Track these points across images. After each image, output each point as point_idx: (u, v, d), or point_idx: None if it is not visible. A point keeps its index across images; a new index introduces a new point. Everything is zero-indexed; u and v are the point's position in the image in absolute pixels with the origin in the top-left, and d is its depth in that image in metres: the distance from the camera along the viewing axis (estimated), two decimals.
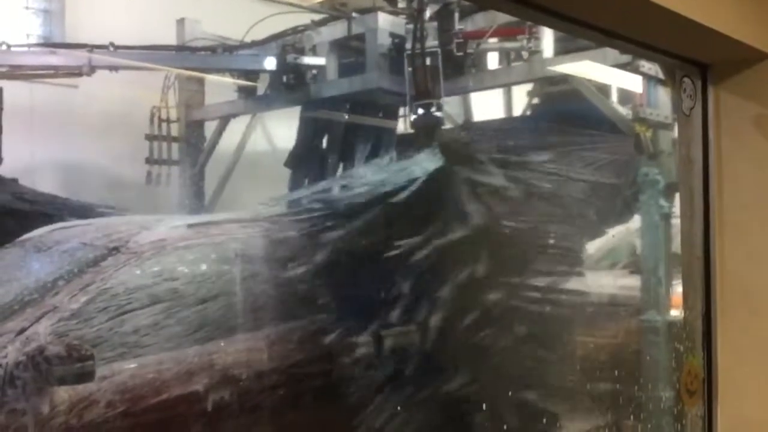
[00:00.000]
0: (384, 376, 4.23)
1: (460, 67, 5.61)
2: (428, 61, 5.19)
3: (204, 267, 4.06)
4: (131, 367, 3.55)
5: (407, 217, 4.42)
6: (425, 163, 4.65)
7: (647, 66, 4.25)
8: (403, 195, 4.45)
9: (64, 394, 3.29)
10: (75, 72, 5.96)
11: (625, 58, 4.21)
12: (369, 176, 4.98)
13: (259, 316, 4.11)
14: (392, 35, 5.73)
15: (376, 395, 4.14)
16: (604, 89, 5.22)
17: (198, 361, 3.74)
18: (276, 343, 4.07)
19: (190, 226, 4.25)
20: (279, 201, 5.14)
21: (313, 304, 4.26)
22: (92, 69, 5.95)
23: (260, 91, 6.65)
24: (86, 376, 3.27)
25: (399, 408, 4.15)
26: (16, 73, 5.86)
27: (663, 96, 4.68)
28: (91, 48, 5.92)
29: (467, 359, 4.24)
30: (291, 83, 6.09)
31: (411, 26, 5.36)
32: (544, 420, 4.32)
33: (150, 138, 6.74)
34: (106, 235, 4.08)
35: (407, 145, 5.33)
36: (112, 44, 5.96)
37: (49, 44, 6.37)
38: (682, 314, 3.04)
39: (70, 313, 3.49)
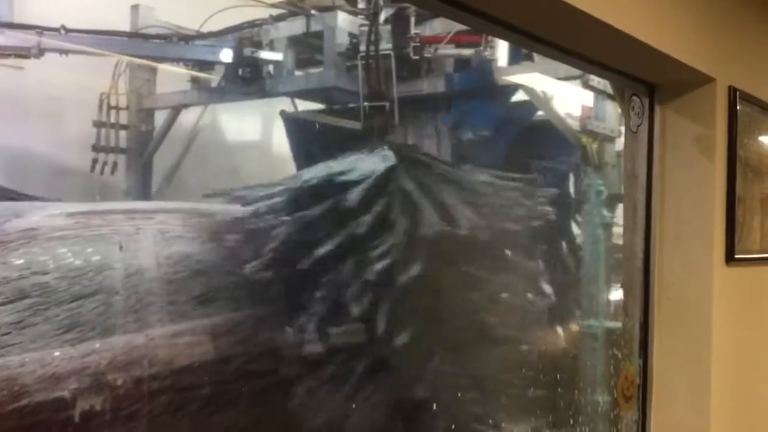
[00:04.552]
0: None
1: (416, 71, 5.67)
2: (381, 63, 5.26)
3: (81, 261, 3.74)
4: None
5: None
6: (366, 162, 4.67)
7: (597, 80, 4.38)
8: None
9: None
10: (23, 54, 5.81)
11: (577, 71, 4.34)
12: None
13: (142, 316, 3.82)
14: (351, 35, 5.77)
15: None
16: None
17: (66, 364, 3.44)
18: (160, 345, 3.79)
19: (69, 215, 3.91)
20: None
21: (209, 303, 4.03)
22: (41, 51, 5.81)
23: (214, 82, 6.60)
24: None
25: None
26: None
27: (610, 110, 4.84)
28: (41, 30, 5.78)
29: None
30: (247, 77, 6.07)
31: (366, 28, 5.41)
32: None
33: (98, 125, 6.62)
34: None
35: (358, 144, 5.35)
36: (63, 27, 5.83)
37: None
38: (622, 322, 3.16)
39: None
